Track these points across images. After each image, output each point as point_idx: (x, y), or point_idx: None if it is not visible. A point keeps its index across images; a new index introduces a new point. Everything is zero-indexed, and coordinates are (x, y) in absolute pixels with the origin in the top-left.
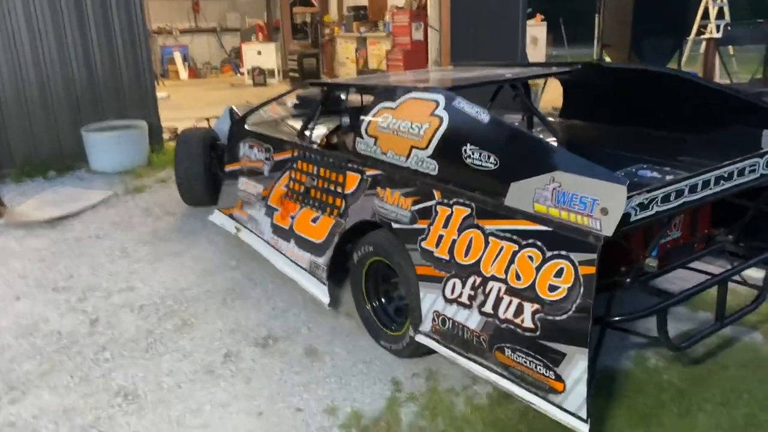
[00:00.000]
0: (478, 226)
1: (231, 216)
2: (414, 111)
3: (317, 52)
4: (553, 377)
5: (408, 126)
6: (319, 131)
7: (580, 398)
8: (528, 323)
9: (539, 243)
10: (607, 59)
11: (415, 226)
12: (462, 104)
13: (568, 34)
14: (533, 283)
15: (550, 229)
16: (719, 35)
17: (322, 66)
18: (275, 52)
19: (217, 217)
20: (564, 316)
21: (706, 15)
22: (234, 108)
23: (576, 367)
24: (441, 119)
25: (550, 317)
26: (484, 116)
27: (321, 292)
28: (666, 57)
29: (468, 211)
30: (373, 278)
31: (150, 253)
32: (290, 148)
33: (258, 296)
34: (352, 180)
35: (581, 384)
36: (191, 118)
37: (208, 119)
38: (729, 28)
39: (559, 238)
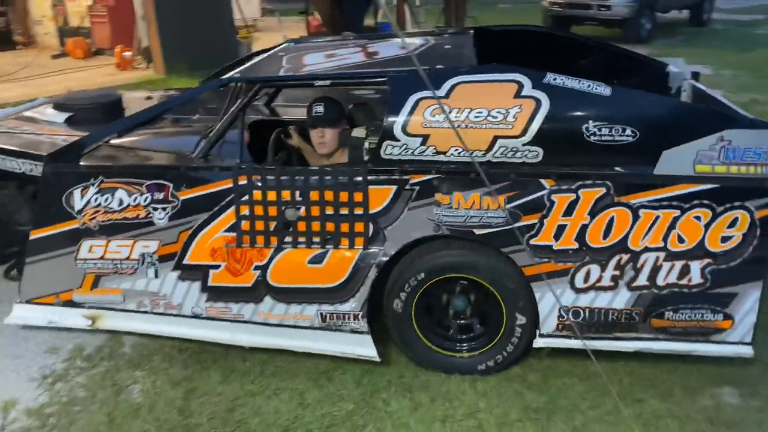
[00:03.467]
0: (619, 203)
1: (67, 304)
2: (482, 96)
3: (5, 9)
4: (722, 318)
5: (484, 114)
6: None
7: (748, 327)
8: (696, 280)
9: (707, 201)
10: (316, 14)
11: (518, 224)
12: (561, 80)
13: None
14: (702, 241)
15: (717, 185)
16: None
17: (14, 26)
18: None
19: (25, 312)
20: (738, 260)
21: None
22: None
23: (748, 301)
24: (538, 100)
25: (723, 266)
26: (602, 89)
27: (359, 347)
28: (363, 10)
29: (603, 190)
30: (423, 309)
31: None
32: (220, 178)
33: None
34: (380, 195)
35: (751, 314)
36: None
37: None
38: None
39: (731, 192)
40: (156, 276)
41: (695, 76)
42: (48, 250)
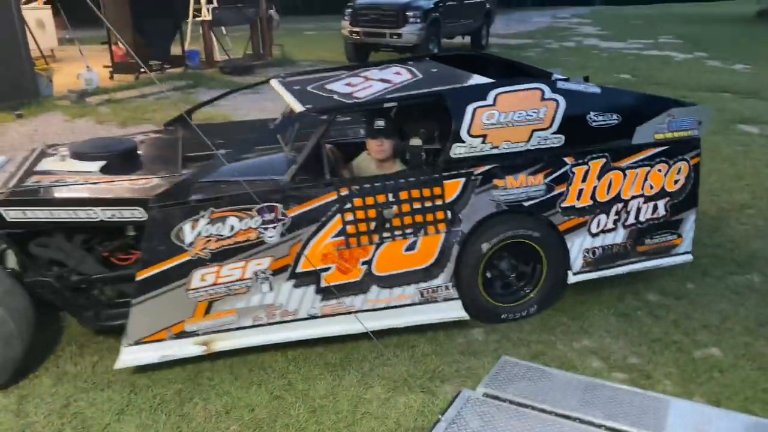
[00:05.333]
0: (614, 168)
1: (179, 335)
2: (518, 102)
3: None
4: (676, 237)
5: (524, 115)
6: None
7: (689, 240)
8: (661, 212)
9: (664, 158)
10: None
11: (552, 193)
12: (568, 85)
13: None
14: (663, 185)
15: (668, 147)
16: (210, 17)
17: None
18: None
19: (135, 354)
20: (683, 195)
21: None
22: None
23: (689, 221)
24: (556, 101)
25: (676, 200)
26: (594, 89)
27: (452, 311)
28: (169, 38)
29: (604, 160)
30: (486, 269)
31: None
32: (327, 192)
33: None
34: (453, 187)
35: (691, 231)
36: None
37: None
38: (217, 11)
39: (676, 150)
40: (270, 289)
41: (586, 79)
42: (157, 288)
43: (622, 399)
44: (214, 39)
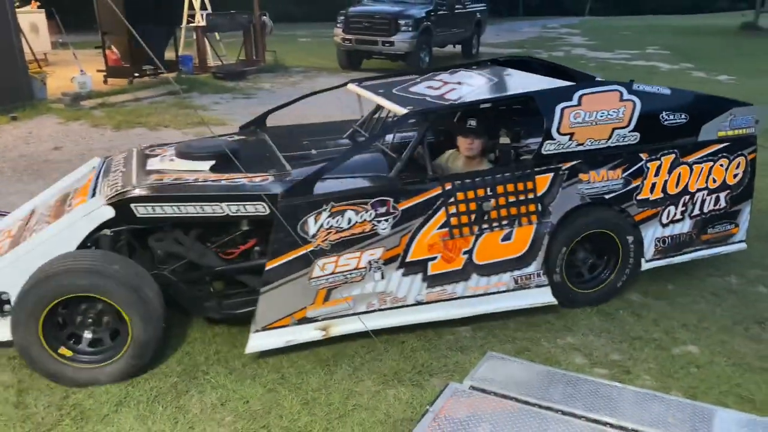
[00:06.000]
0: (683, 163)
1: (301, 321)
2: (600, 102)
3: None
4: (734, 226)
5: (605, 114)
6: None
7: (745, 229)
8: (722, 204)
9: (725, 154)
10: (113, 48)
11: (629, 187)
12: (642, 87)
13: (73, 21)
14: (724, 179)
15: (729, 143)
16: (204, 23)
17: None
18: None
19: (263, 340)
20: (741, 188)
21: (192, 6)
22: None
23: (744, 212)
24: (633, 102)
25: (734, 193)
26: (665, 90)
27: (543, 296)
28: (164, 43)
29: (674, 156)
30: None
31: None
32: (430, 188)
33: None
34: (543, 181)
35: (746, 221)
36: None
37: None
38: (210, 17)
39: (736, 146)
40: (382, 278)
41: (631, 82)
42: (283, 277)
43: (603, 392)
44: (207, 45)
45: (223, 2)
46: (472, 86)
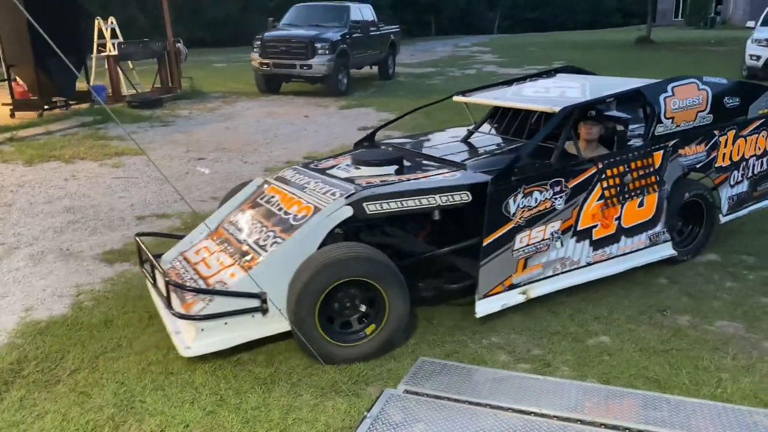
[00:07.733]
0: (740, 136)
1: (509, 288)
2: (687, 92)
3: None
4: None
5: (691, 101)
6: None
7: None
8: (765, 167)
9: (765, 127)
10: (19, 79)
11: (710, 157)
12: (710, 79)
13: None
14: (766, 147)
15: (766, 118)
16: (116, 52)
17: None
18: None
19: (485, 305)
20: None
21: (102, 35)
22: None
23: None
24: (706, 91)
25: None
26: (723, 80)
27: (667, 250)
28: (73, 74)
29: (735, 130)
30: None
31: None
32: (588, 167)
33: None
34: (658, 157)
35: None
36: None
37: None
38: (123, 46)
39: None
40: (561, 245)
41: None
42: (495, 251)
43: (527, 385)
44: (120, 73)
45: (134, 30)
46: (574, 87)
